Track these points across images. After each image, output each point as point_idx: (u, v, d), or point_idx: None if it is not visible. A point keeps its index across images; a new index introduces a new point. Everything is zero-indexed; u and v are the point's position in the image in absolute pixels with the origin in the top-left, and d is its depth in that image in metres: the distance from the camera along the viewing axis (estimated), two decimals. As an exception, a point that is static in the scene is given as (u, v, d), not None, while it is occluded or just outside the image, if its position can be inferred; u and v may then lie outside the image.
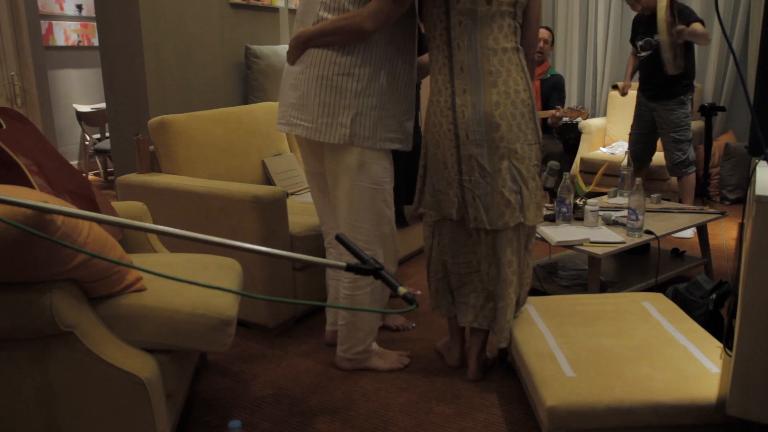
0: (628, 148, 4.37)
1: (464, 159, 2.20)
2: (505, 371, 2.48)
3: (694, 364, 1.96)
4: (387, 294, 2.45)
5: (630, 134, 4.36)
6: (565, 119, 4.35)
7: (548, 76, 4.55)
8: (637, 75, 4.32)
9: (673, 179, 4.66)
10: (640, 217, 2.86)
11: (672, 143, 4.04)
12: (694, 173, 4.10)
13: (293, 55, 2.26)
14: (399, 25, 2.21)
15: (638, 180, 2.88)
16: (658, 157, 4.57)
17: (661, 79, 3.98)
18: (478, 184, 2.20)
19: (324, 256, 2.76)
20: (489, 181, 2.19)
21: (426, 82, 4.00)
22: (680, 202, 4.20)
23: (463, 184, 2.23)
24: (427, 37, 2.24)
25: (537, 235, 2.90)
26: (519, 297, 2.37)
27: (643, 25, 4.09)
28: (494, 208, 2.20)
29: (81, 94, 6.55)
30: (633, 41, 4.23)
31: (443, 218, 2.33)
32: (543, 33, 4.43)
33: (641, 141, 4.28)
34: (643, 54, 4.09)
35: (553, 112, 4.28)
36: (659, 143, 4.28)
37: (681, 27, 3.65)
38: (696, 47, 4.10)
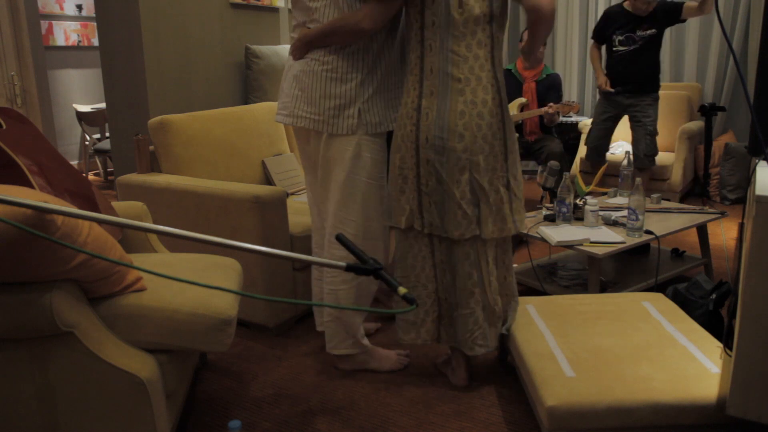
0: (587, 144, 4.62)
1: (422, 163, 2.16)
2: (505, 371, 2.48)
3: (694, 364, 1.96)
4: (373, 289, 2.43)
5: (592, 130, 4.58)
6: (560, 117, 4.40)
7: (544, 76, 4.54)
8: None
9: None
10: (640, 217, 2.86)
11: (648, 136, 4.34)
12: None
13: (298, 54, 2.28)
14: (398, 17, 2.24)
15: (638, 180, 2.88)
16: (661, 157, 4.60)
17: (641, 75, 4.24)
18: (435, 191, 2.17)
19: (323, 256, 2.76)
20: (446, 189, 2.15)
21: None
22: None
23: (421, 189, 2.20)
24: (406, 37, 2.22)
25: (537, 234, 2.90)
26: (502, 310, 2.32)
27: (623, 20, 4.16)
28: (450, 217, 2.16)
29: (81, 94, 6.55)
30: (601, 36, 4.35)
31: (394, 227, 2.29)
32: None
33: (603, 136, 4.54)
34: (622, 49, 4.20)
35: (545, 109, 4.30)
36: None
37: None
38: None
